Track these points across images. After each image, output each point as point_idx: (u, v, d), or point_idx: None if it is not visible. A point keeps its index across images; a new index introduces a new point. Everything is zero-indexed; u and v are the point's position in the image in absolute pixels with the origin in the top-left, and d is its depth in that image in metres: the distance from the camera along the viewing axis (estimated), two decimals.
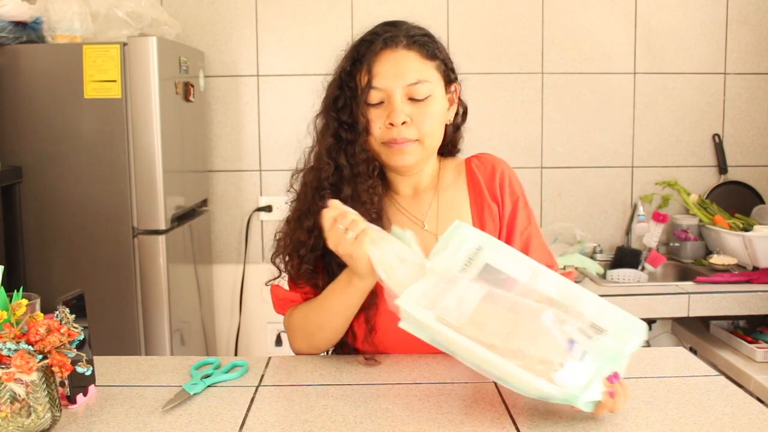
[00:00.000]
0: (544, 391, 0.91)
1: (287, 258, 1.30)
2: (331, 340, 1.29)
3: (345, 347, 1.31)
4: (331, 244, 1.13)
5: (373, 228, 1.13)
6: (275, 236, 1.34)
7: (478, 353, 0.94)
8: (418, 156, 1.27)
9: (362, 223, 1.12)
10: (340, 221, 1.11)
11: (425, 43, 1.25)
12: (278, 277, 1.33)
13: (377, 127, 1.24)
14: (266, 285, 1.35)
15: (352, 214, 1.12)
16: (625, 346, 0.96)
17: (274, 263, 1.33)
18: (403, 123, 1.22)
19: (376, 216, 1.26)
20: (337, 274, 1.23)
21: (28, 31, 2.24)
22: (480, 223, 1.32)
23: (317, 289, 1.28)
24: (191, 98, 2.52)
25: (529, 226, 1.33)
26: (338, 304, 1.23)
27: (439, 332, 0.97)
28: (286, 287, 1.34)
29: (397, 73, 1.22)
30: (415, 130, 1.24)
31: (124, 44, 2.16)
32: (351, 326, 1.26)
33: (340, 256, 1.14)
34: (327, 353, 1.36)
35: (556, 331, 0.95)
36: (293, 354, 1.34)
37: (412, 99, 1.23)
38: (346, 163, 1.26)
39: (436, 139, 1.29)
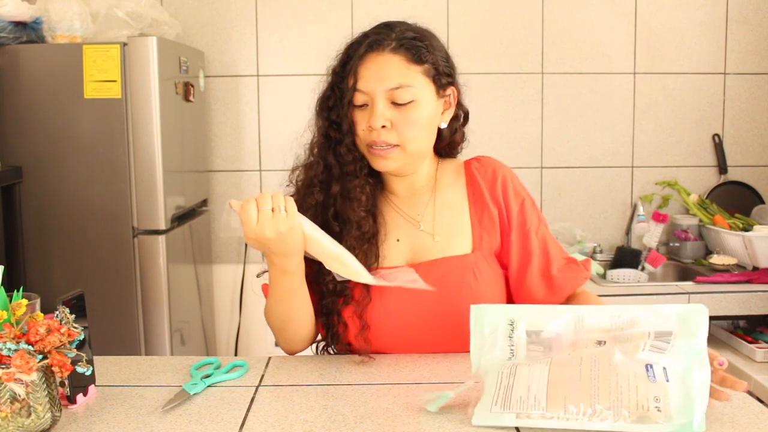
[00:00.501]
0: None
1: None
2: (302, 332, 1.28)
3: (337, 341, 1.29)
4: (270, 231, 1.10)
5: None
6: None
7: (577, 428, 0.92)
8: (401, 161, 1.26)
9: (280, 196, 1.12)
10: (262, 204, 1.10)
11: (413, 47, 1.24)
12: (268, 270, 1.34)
13: (360, 129, 1.25)
14: (257, 277, 1.35)
15: (266, 194, 1.12)
16: (697, 337, 0.94)
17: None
18: (383, 127, 1.22)
19: (366, 213, 1.27)
20: (316, 262, 1.23)
21: (28, 31, 2.24)
22: (479, 225, 1.31)
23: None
24: (191, 98, 2.52)
25: (540, 225, 1.33)
26: (283, 295, 1.22)
27: (527, 426, 0.94)
28: None
29: (379, 77, 1.22)
30: (396, 134, 1.23)
31: (124, 44, 2.16)
32: (343, 319, 1.26)
33: (277, 239, 1.11)
34: (317, 351, 1.35)
35: (632, 369, 0.92)
36: (285, 352, 1.34)
37: (395, 103, 1.23)
38: (335, 161, 1.27)
39: (421, 144, 1.28)
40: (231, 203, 1.13)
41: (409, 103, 1.23)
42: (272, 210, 1.10)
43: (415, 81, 1.24)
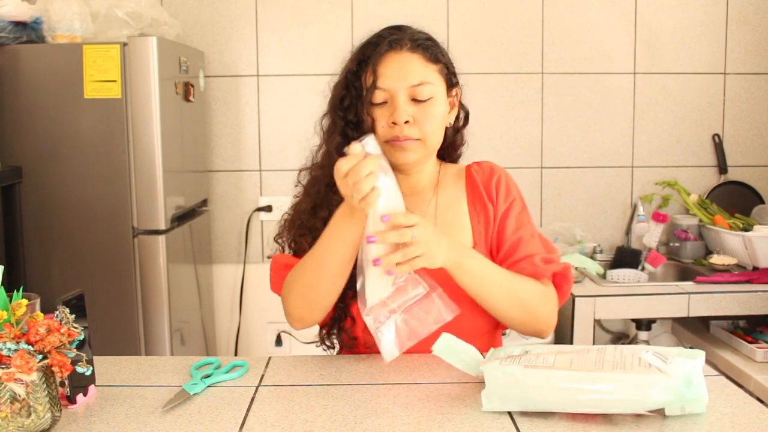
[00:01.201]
0: (659, 389, 0.93)
1: (299, 236, 1.31)
2: (329, 297, 1.25)
3: (343, 333, 1.30)
4: (344, 191, 1.13)
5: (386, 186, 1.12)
6: (282, 217, 1.37)
7: (583, 376, 0.95)
8: (420, 154, 1.29)
9: (369, 183, 1.09)
10: (351, 176, 1.10)
11: (429, 47, 1.29)
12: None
13: (381, 125, 1.27)
14: (268, 258, 1.36)
15: (364, 168, 1.09)
16: (695, 359, 0.98)
17: (277, 242, 1.35)
18: (406, 122, 1.25)
19: None
20: None
21: (28, 31, 2.24)
22: (478, 222, 1.33)
23: None
24: (191, 98, 2.52)
25: (526, 226, 1.33)
26: (336, 240, 1.20)
27: (533, 379, 0.97)
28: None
29: (401, 74, 1.26)
30: (417, 129, 1.26)
31: (124, 44, 2.16)
32: (350, 311, 1.27)
33: (347, 199, 1.14)
34: (321, 339, 1.36)
35: (636, 355, 0.98)
36: (292, 323, 1.30)
37: (414, 100, 1.26)
38: None
39: (437, 139, 1.32)
40: (352, 147, 1.11)
41: (428, 99, 1.27)
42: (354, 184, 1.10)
43: (433, 78, 1.28)
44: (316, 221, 1.29)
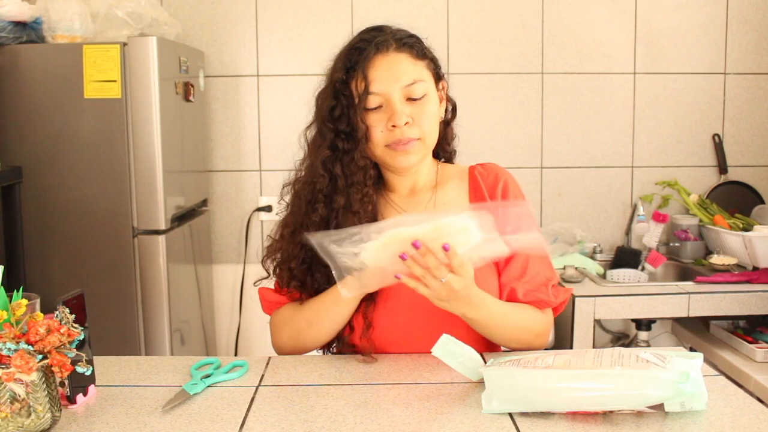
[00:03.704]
0: (657, 384, 0.93)
1: (277, 269, 1.32)
2: (320, 340, 1.29)
3: (342, 343, 1.31)
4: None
5: None
6: (266, 240, 1.36)
7: (581, 374, 0.95)
8: (421, 154, 1.29)
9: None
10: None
11: (413, 44, 1.28)
12: (266, 278, 1.35)
13: (378, 131, 1.25)
14: (254, 285, 1.36)
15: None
16: (692, 360, 0.98)
17: (264, 266, 1.34)
18: (406, 123, 1.24)
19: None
20: (322, 284, 1.25)
21: (28, 31, 2.24)
22: None
23: (304, 294, 1.30)
24: (191, 98, 2.52)
25: None
26: (333, 311, 1.25)
27: (532, 379, 0.97)
28: (273, 288, 1.36)
29: (393, 75, 1.24)
30: (417, 129, 1.25)
31: (124, 44, 2.16)
32: (349, 320, 1.27)
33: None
34: (323, 351, 1.36)
35: (634, 354, 0.98)
36: (277, 352, 1.34)
37: (410, 99, 1.25)
38: (341, 173, 1.26)
39: (435, 136, 1.31)
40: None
41: (423, 97, 1.26)
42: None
43: (424, 75, 1.27)
44: (294, 247, 1.27)
